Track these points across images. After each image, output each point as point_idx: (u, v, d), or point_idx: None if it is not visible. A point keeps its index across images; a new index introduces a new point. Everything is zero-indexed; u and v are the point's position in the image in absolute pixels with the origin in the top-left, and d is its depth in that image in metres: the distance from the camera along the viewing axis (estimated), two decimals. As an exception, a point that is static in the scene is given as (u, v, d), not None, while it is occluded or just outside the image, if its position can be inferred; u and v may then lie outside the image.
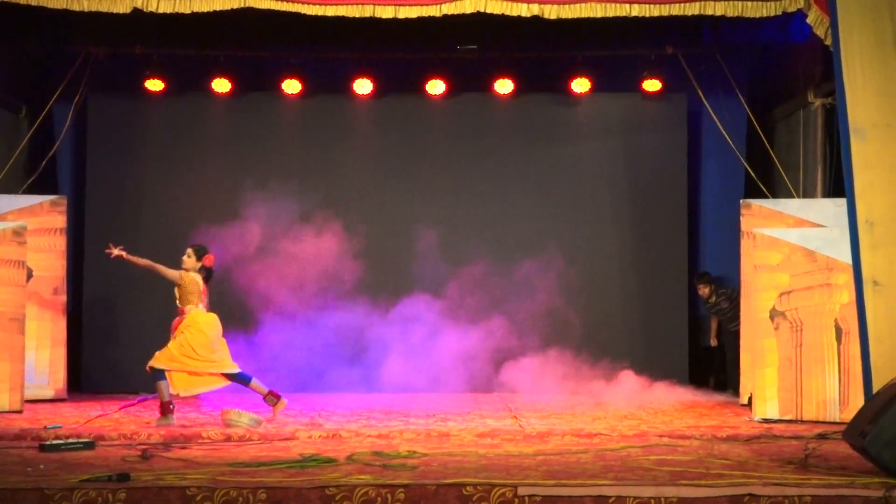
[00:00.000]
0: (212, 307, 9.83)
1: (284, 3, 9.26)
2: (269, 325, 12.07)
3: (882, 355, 8.03)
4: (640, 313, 12.69)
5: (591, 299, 12.62)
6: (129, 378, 11.63)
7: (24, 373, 10.51)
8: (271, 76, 12.64)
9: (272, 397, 9.77)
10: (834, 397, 9.71)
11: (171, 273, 9.57)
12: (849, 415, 8.62)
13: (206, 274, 9.70)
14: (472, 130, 12.93)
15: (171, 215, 12.29)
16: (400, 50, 12.44)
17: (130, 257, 9.60)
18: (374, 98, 12.80)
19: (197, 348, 9.49)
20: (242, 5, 9.24)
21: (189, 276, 9.60)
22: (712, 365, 12.69)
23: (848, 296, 9.48)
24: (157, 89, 12.58)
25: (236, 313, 11.58)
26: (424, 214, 12.63)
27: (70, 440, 8.22)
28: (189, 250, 9.68)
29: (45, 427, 8.97)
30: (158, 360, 9.46)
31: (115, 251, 9.60)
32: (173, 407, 9.49)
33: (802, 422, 9.74)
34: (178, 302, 9.66)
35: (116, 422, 9.53)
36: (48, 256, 11.55)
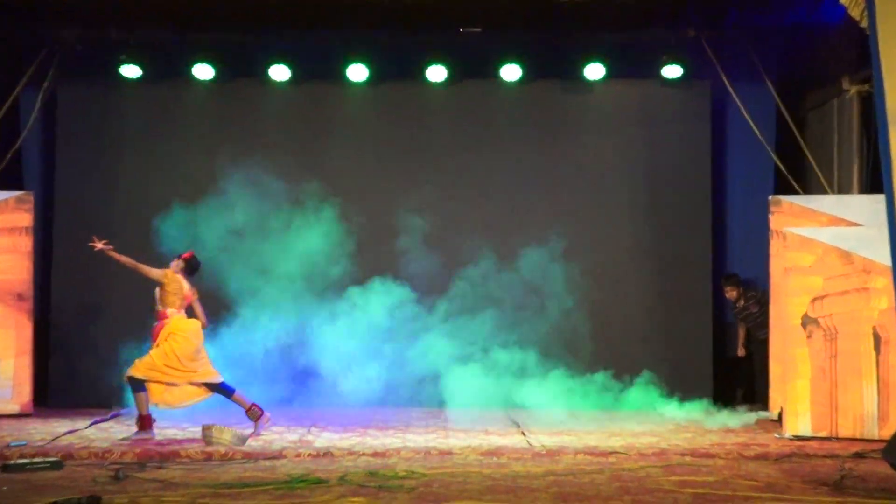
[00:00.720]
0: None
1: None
2: (249, 326, 12.01)
3: (925, 366, 8.00)
4: (659, 320, 12.65)
5: (606, 304, 12.60)
6: (101, 391, 11.58)
7: (-14, 385, 10.50)
8: (257, 61, 12.61)
9: (255, 411, 9.77)
10: (872, 412, 9.68)
11: (155, 272, 9.68)
12: (888, 431, 8.61)
13: (189, 268, 9.75)
14: (475, 120, 12.91)
15: (147, 213, 12.23)
16: (397, 32, 12.41)
17: (113, 253, 9.68)
18: (368, 85, 12.77)
19: (182, 358, 9.52)
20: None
21: (173, 275, 9.67)
22: (739, 377, 12.65)
23: (887, 301, 9.46)
24: (133, 76, 12.55)
25: (215, 312, 11.52)
26: (424, 211, 12.58)
27: (36, 459, 8.22)
28: (174, 263, 9.90)
29: (8, 445, 8.95)
30: (138, 370, 9.46)
31: (100, 244, 9.66)
32: (154, 421, 9.49)
33: (837, 439, 9.72)
34: (158, 304, 9.70)
35: (87, 439, 9.49)
36: (12, 258, 11.52)
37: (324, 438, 9.67)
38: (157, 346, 9.57)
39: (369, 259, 12.45)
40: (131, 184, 12.62)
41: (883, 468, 7.71)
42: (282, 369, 12.17)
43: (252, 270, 12.10)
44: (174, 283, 9.69)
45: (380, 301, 12.19)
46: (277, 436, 9.83)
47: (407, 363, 12.17)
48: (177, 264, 9.85)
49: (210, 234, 11.81)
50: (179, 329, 9.61)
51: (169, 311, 9.66)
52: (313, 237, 12.12)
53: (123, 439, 9.33)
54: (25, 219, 11.61)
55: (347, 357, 12.24)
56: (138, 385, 9.45)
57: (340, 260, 12.24)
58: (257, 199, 12.17)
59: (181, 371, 9.55)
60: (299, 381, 12.23)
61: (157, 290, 9.73)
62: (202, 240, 11.59)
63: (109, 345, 11.71)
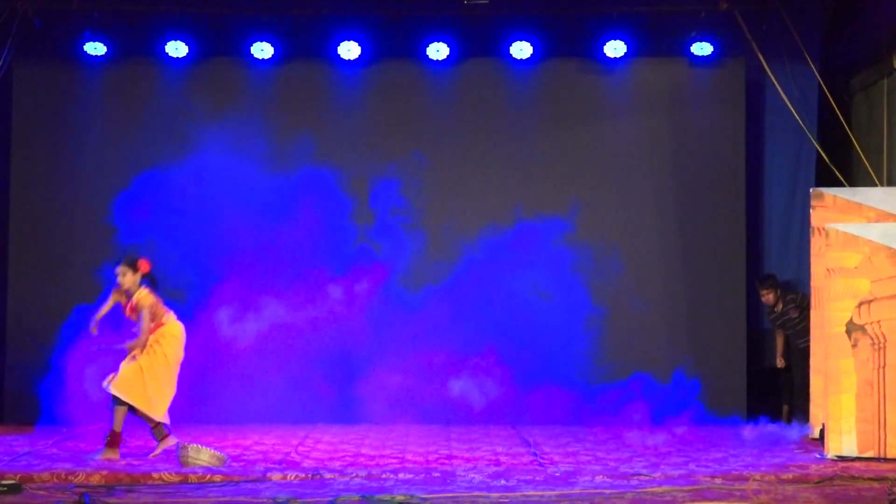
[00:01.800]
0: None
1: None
2: (228, 334, 12.06)
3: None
4: (688, 325, 12.68)
5: (628, 307, 12.62)
6: (63, 407, 11.62)
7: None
8: (237, 38, 12.64)
9: (160, 430, 9.83)
10: (924, 430, 9.73)
11: (144, 314, 9.67)
12: (942, 451, 8.62)
13: (152, 283, 9.80)
14: (481, 105, 12.94)
15: (111, 203, 12.26)
16: (394, 6, 12.43)
17: (125, 346, 9.73)
18: (362, 64, 12.79)
19: (174, 365, 9.73)
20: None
21: (142, 292, 9.71)
22: (777, 389, 12.68)
23: (942, 306, 9.47)
24: (99, 54, 12.59)
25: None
26: (425, 203, 12.62)
27: (-8, 482, 8.23)
28: (120, 268, 9.77)
29: (-39, 466, 8.98)
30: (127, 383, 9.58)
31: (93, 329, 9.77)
32: (122, 441, 9.60)
33: (886, 460, 9.74)
34: (143, 330, 9.72)
35: (48, 459, 9.52)
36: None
37: (312, 458, 9.71)
38: (146, 353, 9.67)
39: (362, 256, 12.49)
40: (95, 172, 12.63)
41: (936, 492, 7.74)
42: (264, 377, 12.22)
43: (227, 263, 12.14)
44: (147, 297, 9.75)
45: (376, 300, 12.25)
46: (261, 455, 9.88)
47: (404, 380, 12.20)
48: (126, 276, 9.74)
49: (182, 225, 11.88)
50: (172, 334, 9.77)
51: (164, 318, 9.79)
52: (296, 231, 12.16)
53: (89, 459, 9.40)
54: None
55: (341, 365, 12.30)
56: (118, 399, 9.56)
57: (327, 254, 12.30)
58: (235, 189, 12.21)
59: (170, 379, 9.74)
60: (285, 391, 12.26)
61: (142, 316, 9.71)
62: (172, 231, 11.69)
63: (71, 358, 11.77)
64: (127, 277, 9.76)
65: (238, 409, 12.18)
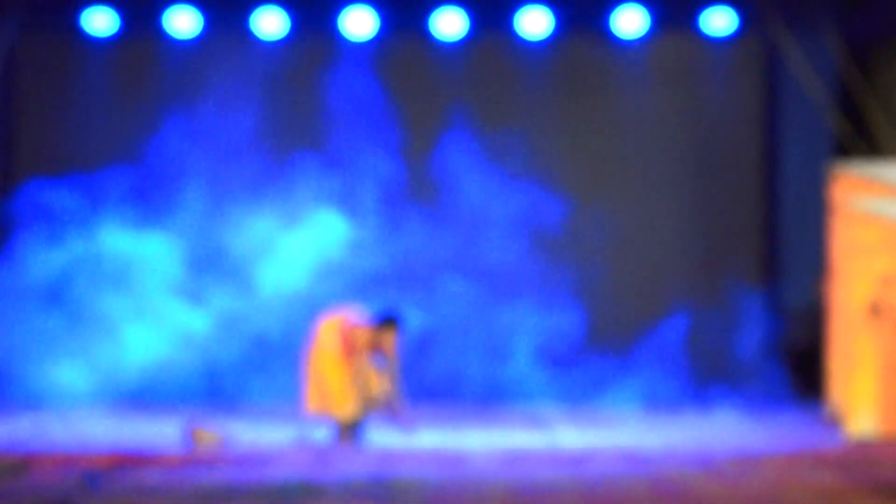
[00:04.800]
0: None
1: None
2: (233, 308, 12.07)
3: None
4: (705, 304, 12.66)
5: (642, 289, 12.68)
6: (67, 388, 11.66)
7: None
8: (244, 12, 12.63)
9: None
10: (948, 410, 9.68)
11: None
12: (966, 432, 8.58)
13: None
14: (494, 80, 12.97)
15: (119, 183, 12.29)
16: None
17: None
18: (372, 39, 12.76)
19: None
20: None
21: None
22: (795, 370, 12.67)
23: (965, 284, 9.41)
24: (103, 30, 12.57)
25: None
26: (435, 183, 12.62)
27: (-6, 464, 8.23)
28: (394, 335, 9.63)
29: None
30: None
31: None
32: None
33: (906, 440, 9.73)
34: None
35: (52, 440, 9.55)
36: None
37: (321, 440, 9.69)
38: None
39: (375, 240, 12.47)
40: (101, 152, 12.63)
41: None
42: (275, 360, 12.21)
43: (239, 250, 12.13)
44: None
45: (385, 280, 12.24)
46: (269, 437, 9.85)
47: (415, 352, 12.17)
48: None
49: (194, 210, 11.83)
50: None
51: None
52: (306, 213, 12.15)
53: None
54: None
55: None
56: None
57: (338, 238, 12.27)
58: (244, 170, 12.18)
59: None
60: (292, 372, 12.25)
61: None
62: (181, 215, 11.60)
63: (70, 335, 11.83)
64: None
65: (247, 390, 12.16)
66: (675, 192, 12.87)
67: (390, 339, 9.56)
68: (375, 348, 9.57)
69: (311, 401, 9.51)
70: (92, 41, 12.65)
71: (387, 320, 9.58)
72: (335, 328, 9.58)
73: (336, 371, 9.45)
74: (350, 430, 9.48)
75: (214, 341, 11.87)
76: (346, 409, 9.45)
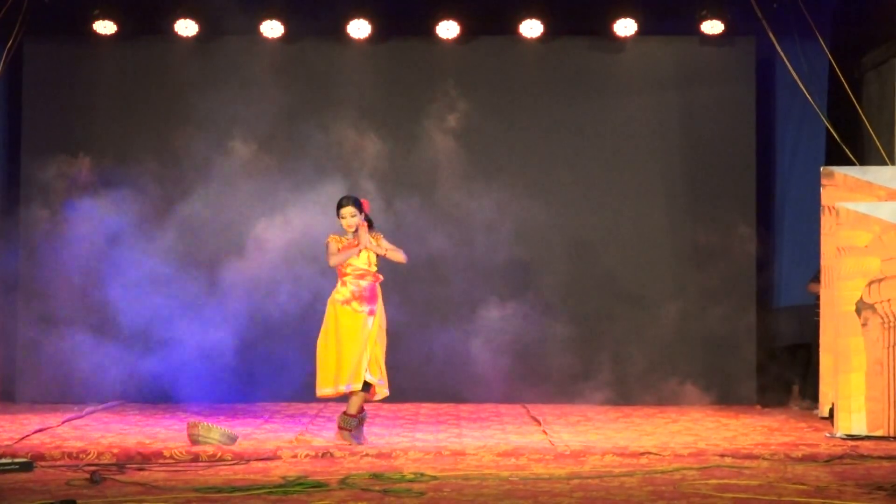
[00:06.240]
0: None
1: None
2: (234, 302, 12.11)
3: None
4: (696, 305, 12.63)
5: (636, 290, 12.64)
6: (73, 385, 11.67)
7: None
8: (248, 16, 12.58)
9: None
10: (935, 409, 9.73)
11: (384, 242, 9.73)
12: (953, 430, 8.62)
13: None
14: (491, 82, 12.90)
15: (124, 184, 12.29)
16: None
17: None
18: (372, 42, 12.76)
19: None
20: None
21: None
22: (789, 368, 12.70)
23: (953, 285, 9.45)
24: (108, 32, 12.56)
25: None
26: (432, 184, 12.61)
27: (3, 460, 8.26)
28: (351, 209, 9.59)
29: (-28, 444, 9.02)
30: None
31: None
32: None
33: (895, 438, 9.74)
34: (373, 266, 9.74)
35: (59, 437, 9.56)
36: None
37: (323, 437, 9.73)
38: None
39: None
40: (106, 151, 12.60)
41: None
42: (278, 356, 12.24)
43: (243, 247, 12.14)
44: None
45: (385, 281, 12.24)
46: (272, 434, 9.90)
47: (415, 352, 12.21)
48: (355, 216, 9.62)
49: (195, 207, 11.89)
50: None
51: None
52: (312, 213, 12.16)
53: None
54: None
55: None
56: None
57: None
58: (248, 171, 12.22)
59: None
60: (295, 370, 12.28)
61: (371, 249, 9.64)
62: (184, 211, 11.67)
63: (80, 335, 11.82)
64: (356, 218, 9.59)
65: (249, 388, 12.19)
66: (670, 190, 12.80)
67: (347, 221, 9.57)
68: (354, 234, 9.62)
69: (324, 383, 9.49)
70: (97, 40, 12.61)
71: (337, 210, 9.63)
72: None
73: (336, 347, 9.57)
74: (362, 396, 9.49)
75: (221, 336, 11.87)
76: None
